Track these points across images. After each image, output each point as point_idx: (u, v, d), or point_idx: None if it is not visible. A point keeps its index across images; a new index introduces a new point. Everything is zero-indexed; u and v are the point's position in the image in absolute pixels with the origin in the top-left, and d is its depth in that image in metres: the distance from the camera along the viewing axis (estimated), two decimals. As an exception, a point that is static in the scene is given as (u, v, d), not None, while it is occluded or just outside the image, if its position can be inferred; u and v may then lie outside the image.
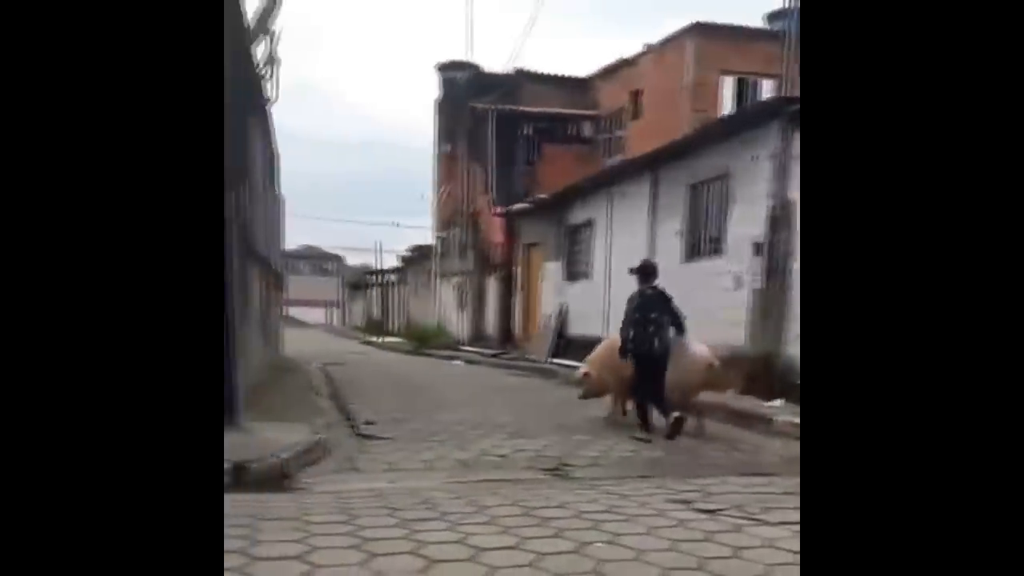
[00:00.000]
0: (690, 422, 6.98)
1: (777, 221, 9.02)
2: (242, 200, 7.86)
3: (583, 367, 8.09)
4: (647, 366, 7.24)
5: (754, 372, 9.06)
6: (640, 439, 6.79)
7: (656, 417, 7.05)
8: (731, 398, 8.74)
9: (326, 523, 3.89)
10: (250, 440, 5.69)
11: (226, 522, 3.86)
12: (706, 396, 7.48)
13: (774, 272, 9.01)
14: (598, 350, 8.10)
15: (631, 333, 7.37)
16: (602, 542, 3.56)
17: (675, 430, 6.73)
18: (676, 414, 6.77)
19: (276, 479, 4.94)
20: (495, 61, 45.06)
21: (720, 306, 10.04)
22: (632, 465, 5.66)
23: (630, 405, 7.63)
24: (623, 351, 7.32)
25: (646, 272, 7.84)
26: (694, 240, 11.11)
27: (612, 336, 8.05)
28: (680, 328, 7.47)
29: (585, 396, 8.03)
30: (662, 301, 7.50)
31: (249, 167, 8.91)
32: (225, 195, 6.24)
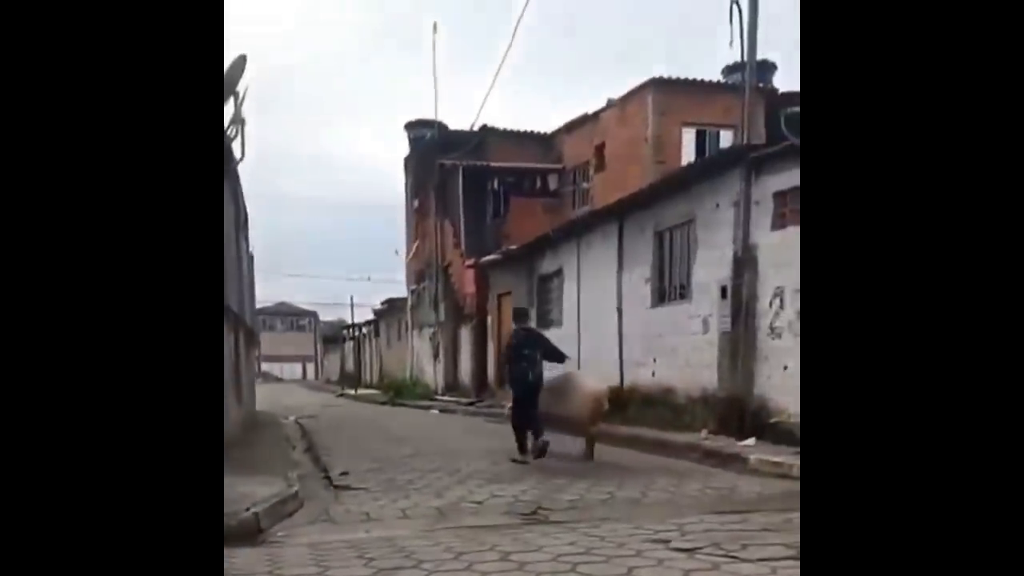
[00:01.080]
0: (585, 447, 8.04)
1: (741, 264, 9.21)
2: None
3: (509, 404, 8.92)
4: (523, 395, 8.27)
5: (726, 412, 9.15)
6: (518, 461, 7.67)
7: (571, 443, 7.91)
8: (705, 438, 8.80)
9: (298, 575, 3.85)
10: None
11: None
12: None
13: (740, 314, 9.16)
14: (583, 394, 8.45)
15: (507, 368, 8.48)
16: (581, 583, 3.57)
17: (540, 453, 7.67)
18: (544, 439, 7.72)
19: (249, 533, 4.87)
20: (461, 119, 45.84)
21: (691, 348, 10.17)
22: (610, 507, 5.66)
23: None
24: (503, 382, 7.98)
25: (518, 315, 9.36)
26: (662, 285, 11.28)
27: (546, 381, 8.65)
28: (559, 359, 8.72)
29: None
30: (533, 339, 8.73)
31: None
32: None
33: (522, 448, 7.94)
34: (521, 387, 8.29)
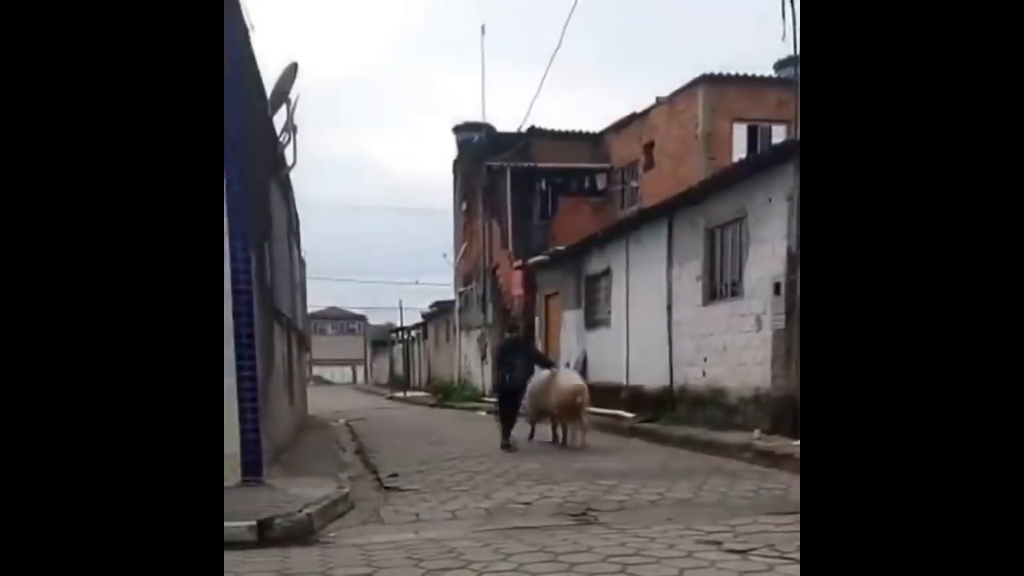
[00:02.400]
0: (569, 435, 9.48)
1: (795, 260, 9.01)
2: (264, 261, 7.99)
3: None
4: (503, 395, 10.05)
5: (780, 412, 8.96)
6: (505, 448, 9.30)
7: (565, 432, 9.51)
8: (758, 438, 8.63)
9: None
10: (276, 496, 5.69)
11: None
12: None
13: (794, 311, 8.96)
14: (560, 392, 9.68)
15: (496, 372, 10.70)
16: (631, 584, 3.52)
17: (509, 448, 9.31)
18: (512, 438, 9.51)
19: (302, 534, 4.93)
20: (509, 120, 46.00)
21: (743, 347, 9.97)
22: (660, 508, 5.57)
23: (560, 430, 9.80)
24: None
25: (511, 328, 12.14)
26: (712, 283, 11.10)
27: (535, 381, 10.02)
28: (544, 364, 10.41)
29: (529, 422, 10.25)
30: (519, 347, 10.52)
31: (271, 230, 9.08)
32: (251, 256, 6.38)
33: (505, 437, 9.53)
34: (502, 388, 10.17)
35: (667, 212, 12.23)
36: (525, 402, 9.96)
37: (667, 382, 11.94)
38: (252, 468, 6.22)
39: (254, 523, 4.85)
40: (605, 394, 13.96)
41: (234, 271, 6.24)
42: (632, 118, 20.26)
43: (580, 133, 22.34)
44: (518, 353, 10.14)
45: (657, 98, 19.02)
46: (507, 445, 9.36)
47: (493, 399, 20.07)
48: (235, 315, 6.16)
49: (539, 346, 17.94)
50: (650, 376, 12.53)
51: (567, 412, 9.38)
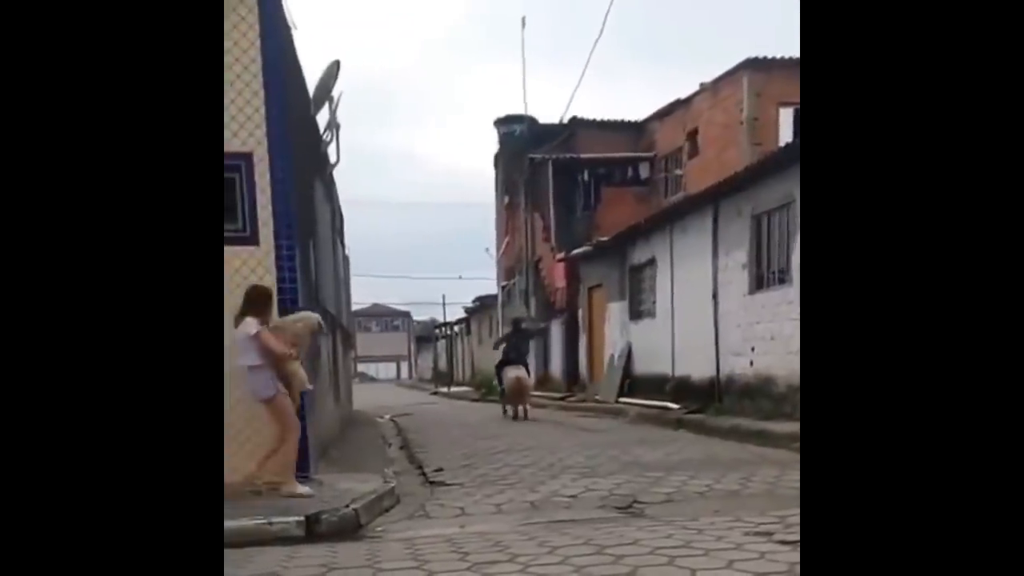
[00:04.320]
0: (521, 411, 13.45)
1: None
2: (309, 259, 8.07)
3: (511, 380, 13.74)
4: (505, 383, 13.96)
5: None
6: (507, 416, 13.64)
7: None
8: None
9: (397, 570, 3.89)
10: (323, 492, 5.74)
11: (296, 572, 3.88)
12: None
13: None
14: (510, 379, 13.59)
15: (501, 362, 14.24)
16: (679, 578, 3.46)
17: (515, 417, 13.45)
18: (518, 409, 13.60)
19: (349, 529, 4.96)
20: (551, 112, 45.79)
21: (791, 335, 9.78)
22: (708, 500, 5.49)
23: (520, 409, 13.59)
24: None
25: (515, 324, 15.27)
26: (759, 271, 10.89)
27: (512, 370, 13.71)
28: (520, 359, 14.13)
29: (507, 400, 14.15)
30: (522, 341, 14.65)
31: (315, 228, 9.16)
32: (296, 254, 6.44)
33: (505, 413, 13.92)
34: (504, 377, 13.94)
35: (712, 200, 12.04)
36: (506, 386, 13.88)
37: (714, 372, 11.77)
38: (300, 464, 6.28)
39: (302, 518, 4.90)
40: (650, 386, 13.84)
41: (279, 269, 6.30)
42: (675, 105, 19.99)
43: (622, 122, 22.11)
44: (518, 345, 14.38)
45: (701, 84, 18.76)
46: (508, 416, 13.75)
47: (537, 392, 20.16)
48: (280, 313, 6.22)
49: (584, 340, 17.98)
50: (696, 367, 12.37)
51: (516, 394, 13.54)
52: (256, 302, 5.82)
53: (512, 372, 13.54)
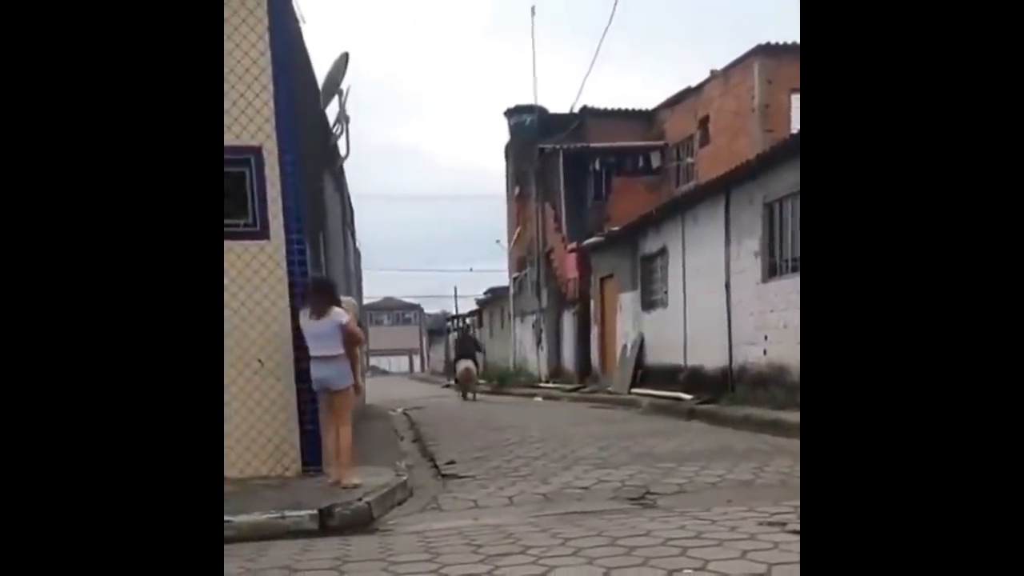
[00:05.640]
0: (470, 394, 18.17)
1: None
2: (319, 253, 8.08)
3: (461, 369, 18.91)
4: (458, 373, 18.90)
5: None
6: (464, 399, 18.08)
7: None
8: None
9: (410, 562, 3.89)
10: (329, 485, 5.75)
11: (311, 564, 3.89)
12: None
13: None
14: (461, 370, 18.80)
15: (454, 360, 19.86)
16: (692, 569, 3.44)
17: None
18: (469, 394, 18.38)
19: (362, 522, 4.98)
20: (561, 102, 45.56)
21: (804, 325, 9.71)
22: (721, 490, 5.46)
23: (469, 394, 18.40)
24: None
25: (464, 331, 26.90)
26: (772, 259, 10.82)
27: (462, 363, 18.87)
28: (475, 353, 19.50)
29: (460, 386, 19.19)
30: (469, 342, 20.11)
31: (326, 221, 9.17)
32: (306, 248, 6.45)
33: (464, 395, 18.52)
34: (457, 368, 19.03)
35: (724, 187, 11.96)
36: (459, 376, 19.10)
37: (726, 362, 11.72)
38: (312, 457, 6.30)
39: (315, 512, 4.92)
40: (663, 376, 13.80)
41: (290, 263, 6.31)
42: (686, 93, 19.86)
43: (633, 111, 21.98)
44: (469, 346, 19.76)
45: (712, 71, 18.61)
46: (464, 398, 18.38)
47: (549, 384, 20.30)
48: (291, 307, 6.24)
49: (596, 331, 18.01)
50: (709, 356, 12.32)
51: (465, 381, 18.59)
52: (333, 292, 5.98)
53: (462, 364, 18.71)
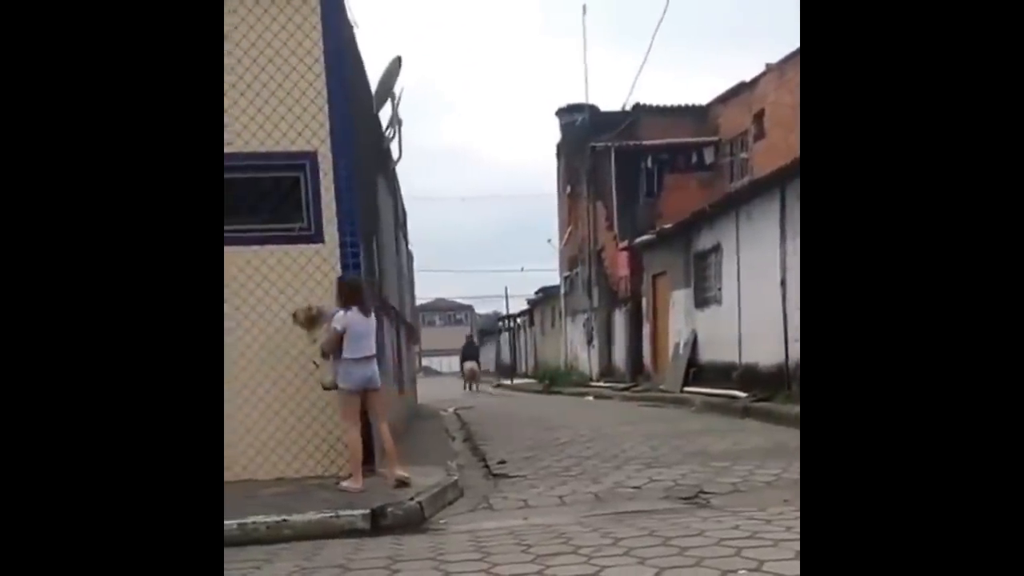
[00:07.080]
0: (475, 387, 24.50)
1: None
2: (372, 255, 8.17)
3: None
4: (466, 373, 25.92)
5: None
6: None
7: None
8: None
9: (461, 561, 3.92)
10: (388, 485, 5.82)
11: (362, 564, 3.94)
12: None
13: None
14: (466, 369, 25.73)
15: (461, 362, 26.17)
16: (747, 570, 3.40)
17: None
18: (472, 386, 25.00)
19: (414, 522, 5.03)
20: (612, 99, 45.21)
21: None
22: (777, 489, 5.36)
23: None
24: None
25: (469, 338, 29.10)
26: (829, 256, 10.58)
27: (467, 364, 25.76)
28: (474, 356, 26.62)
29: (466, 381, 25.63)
30: (471, 346, 27.37)
31: (379, 224, 9.28)
32: (360, 251, 6.54)
33: (467, 387, 24.13)
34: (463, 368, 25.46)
35: (779, 183, 11.72)
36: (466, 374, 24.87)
37: (782, 359, 11.49)
38: (365, 458, 6.39)
39: (367, 512, 4.99)
40: (716, 374, 13.62)
41: (344, 267, 6.41)
42: (740, 88, 19.56)
43: (686, 107, 21.70)
44: (473, 349, 25.13)
45: (767, 65, 18.30)
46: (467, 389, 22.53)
47: (600, 383, 20.26)
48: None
49: (648, 329, 17.88)
50: (764, 354, 12.11)
51: (470, 378, 24.44)
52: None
53: (467, 365, 25.62)
